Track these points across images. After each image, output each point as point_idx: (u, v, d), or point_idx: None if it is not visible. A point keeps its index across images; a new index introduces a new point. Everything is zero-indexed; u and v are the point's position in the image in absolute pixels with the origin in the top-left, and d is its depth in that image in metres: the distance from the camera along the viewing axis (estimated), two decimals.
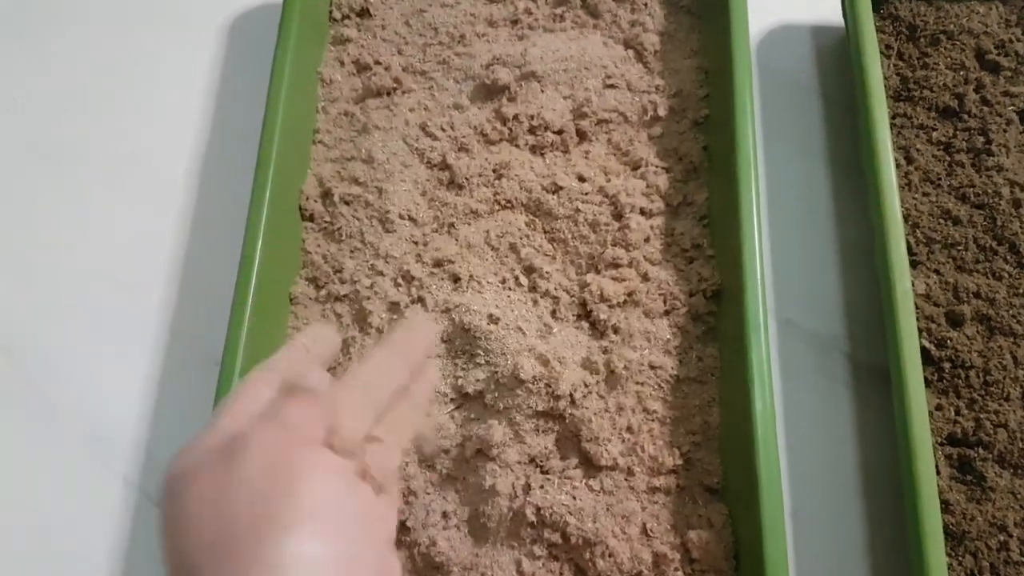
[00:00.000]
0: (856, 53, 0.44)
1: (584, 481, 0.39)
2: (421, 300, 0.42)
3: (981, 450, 0.38)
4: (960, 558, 0.37)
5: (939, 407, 0.40)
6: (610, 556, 0.37)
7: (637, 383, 0.40)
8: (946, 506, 0.38)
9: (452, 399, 0.41)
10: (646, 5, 0.50)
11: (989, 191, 0.43)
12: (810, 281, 0.46)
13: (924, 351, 0.41)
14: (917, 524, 0.35)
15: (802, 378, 0.44)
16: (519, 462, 0.39)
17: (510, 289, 0.42)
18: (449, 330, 0.41)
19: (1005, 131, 0.45)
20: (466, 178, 0.45)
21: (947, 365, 0.40)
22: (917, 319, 0.41)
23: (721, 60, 0.45)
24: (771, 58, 0.51)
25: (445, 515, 0.39)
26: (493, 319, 0.41)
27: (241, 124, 0.48)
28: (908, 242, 0.43)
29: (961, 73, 0.46)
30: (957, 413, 0.39)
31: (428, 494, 0.39)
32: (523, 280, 0.43)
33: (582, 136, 0.47)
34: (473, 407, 0.41)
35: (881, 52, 0.48)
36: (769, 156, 0.49)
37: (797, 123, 0.49)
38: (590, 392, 0.40)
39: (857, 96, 0.44)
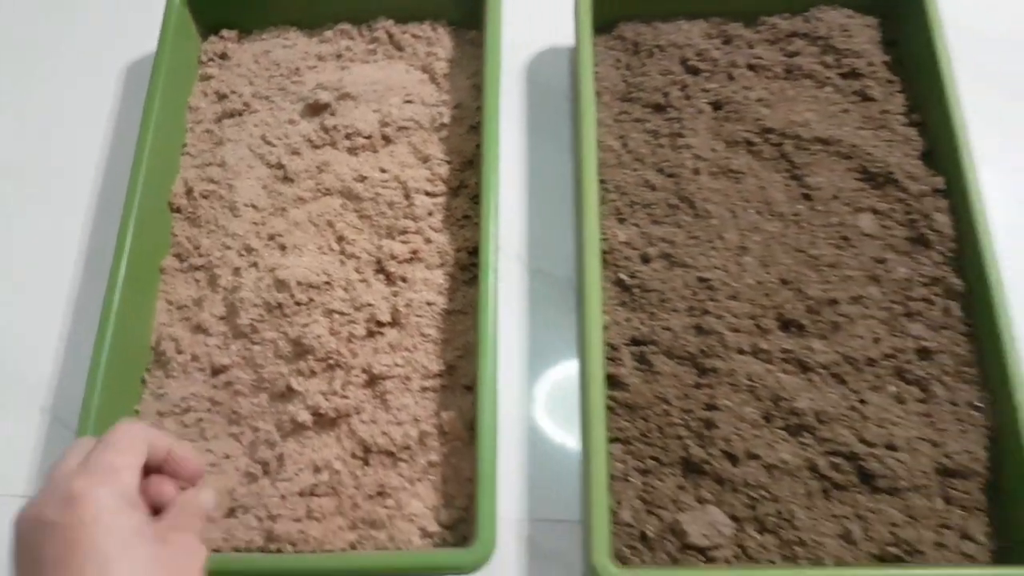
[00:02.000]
0: (575, 68, 0.59)
1: (370, 389, 0.53)
2: (255, 264, 0.57)
3: (653, 347, 0.53)
4: (635, 422, 0.52)
5: (628, 319, 0.55)
6: (385, 435, 0.52)
7: (417, 316, 0.55)
8: (627, 387, 0.52)
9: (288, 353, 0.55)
10: (439, 40, 0.65)
11: (677, 164, 0.59)
12: (555, 237, 0.61)
13: (621, 282, 0.56)
14: (585, 393, 0.49)
15: (548, 307, 0.59)
16: (324, 370, 0.54)
17: (324, 253, 0.57)
18: (276, 286, 0.56)
19: (696, 119, 0.60)
20: (296, 174, 0.60)
21: (637, 290, 0.55)
22: (618, 260, 0.56)
23: (488, 79, 0.60)
24: (539, 73, 0.67)
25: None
26: (311, 273, 0.55)
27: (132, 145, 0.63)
28: (617, 206, 0.58)
29: (668, 76, 0.62)
30: (640, 323, 0.54)
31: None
32: (335, 246, 0.58)
33: (387, 140, 0.62)
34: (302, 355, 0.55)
35: (612, 65, 0.64)
36: (532, 146, 0.64)
37: (554, 121, 0.64)
38: (382, 324, 0.55)
39: (575, 98, 0.59)
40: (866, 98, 0.60)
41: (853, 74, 0.60)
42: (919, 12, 0.59)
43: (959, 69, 0.59)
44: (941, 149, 0.56)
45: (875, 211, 0.56)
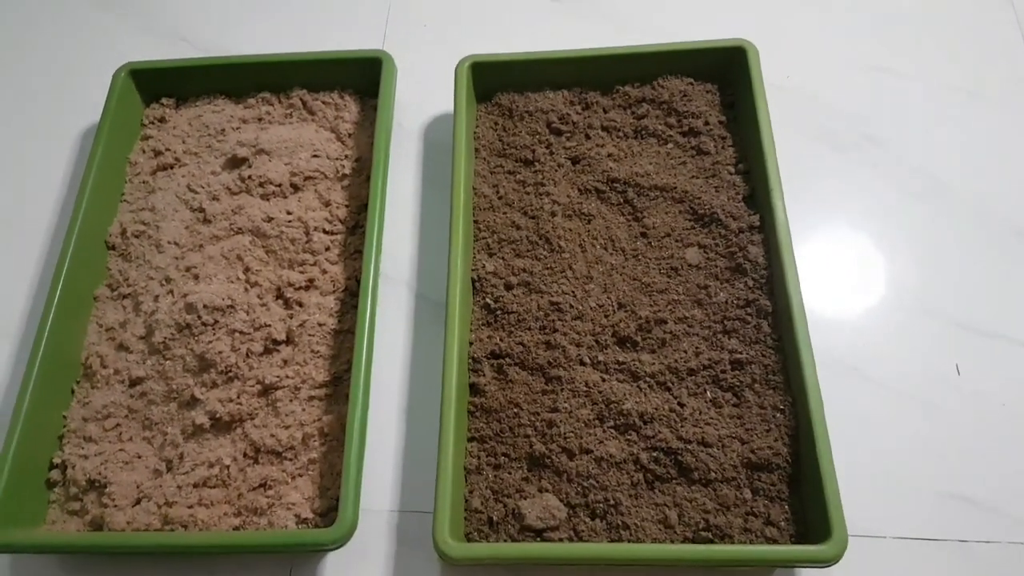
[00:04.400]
0: (453, 128, 0.70)
1: (263, 398, 0.62)
2: (171, 292, 0.66)
3: (509, 359, 0.62)
4: (491, 423, 0.60)
5: (490, 336, 0.63)
6: (272, 436, 0.60)
7: (309, 335, 0.64)
8: (485, 393, 0.61)
9: (194, 367, 0.63)
10: (346, 105, 0.76)
11: (538, 208, 0.69)
12: (438, 268, 0.70)
13: (487, 306, 0.65)
14: (444, 399, 0.58)
15: (429, 327, 0.68)
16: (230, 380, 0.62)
17: (232, 282, 0.67)
18: (186, 309, 0.65)
19: (557, 171, 0.71)
20: (214, 216, 0.70)
21: (500, 312, 0.64)
22: (486, 287, 0.65)
23: (379, 136, 0.71)
24: (432, 133, 0.78)
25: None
26: (216, 297, 0.65)
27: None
28: (488, 242, 0.68)
29: (535, 136, 0.73)
30: (500, 340, 0.63)
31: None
32: (241, 276, 0.67)
33: (296, 187, 0.72)
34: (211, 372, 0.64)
35: (490, 127, 0.74)
36: (424, 192, 0.74)
37: (442, 172, 0.74)
38: (278, 342, 0.64)
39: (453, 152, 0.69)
40: (701, 152, 0.70)
41: (691, 132, 0.71)
42: (746, 77, 0.70)
43: (785, 127, 0.70)
44: (759, 192, 0.66)
45: (701, 246, 0.65)
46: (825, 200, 0.72)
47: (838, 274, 0.68)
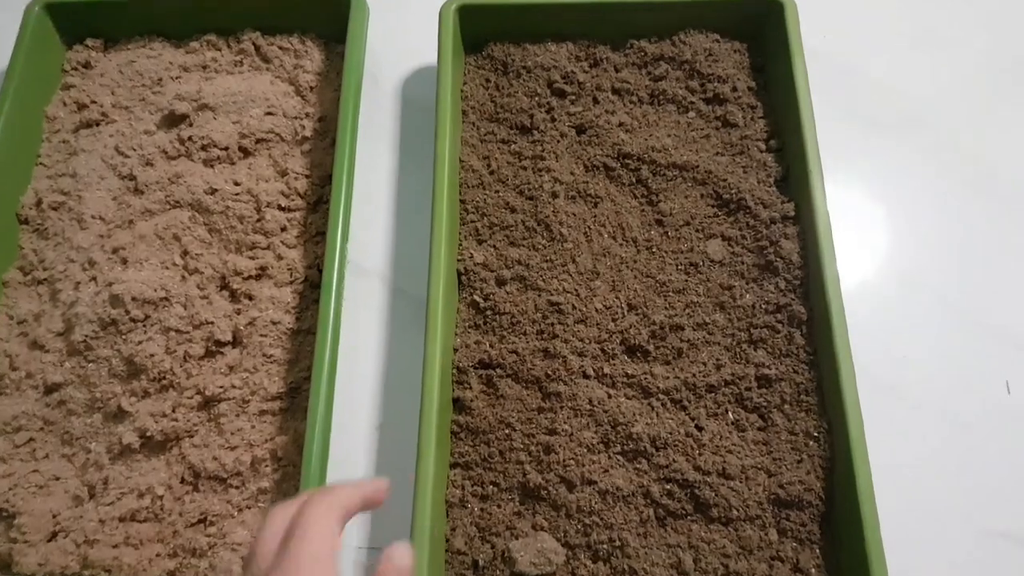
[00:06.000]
0: (438, 88, 0.59)
1: (204, 411, 0.52)
2: (95, 279, 0.55)
3: (500, 370, 0.53)
4: (478, 447, 0.51)
5: (478, 342, 0.54)
6: (215, 459, 0.50)
7: (260, 335, 0.54)
8: (472, 411, 0.52)
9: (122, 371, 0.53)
10: (308, 52, 0.64)
11: (537, 187, 0.58)
12: (419, 257, 0.59)
13: (475, 304, 0.55)
14: (423, 420, 0.48)
15: (407, 328, 0.58)
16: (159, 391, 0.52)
17: (166, 268, 0.56)
18: (111, 302, 0.54)
19: (559, 142, 0.60)
20: (146, 185, 0.59)
21: (490, 313, 0.55)
22: (474, 281, 0.55)
23: (347, 91, 0.59)
24: (413, 91, 0.66)
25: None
26: (147, 288, 0.54)
27: None
28: (477, 227, 0.58)
29: (535, 98, 0.62)
30: (490, 346, 0.53)
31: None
32: (179, 261, 0.56)
33: (245, 152, 0.60)
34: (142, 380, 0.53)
35: (480, 84, 0.63)
36: (402, 164, 0.63)
37: (425, 139, 0.63)
38: (223, 344, 0.53)
39: (437, 117, 0.58)
40: (728, 123, 0.60)
41: (717, 99, 0.61)
42: (782, 36, 0.59)
43: (823, 99, 0.59)
44: (795, 175, 0.57)
45: (725, 237, 0.56)
46: (862, 187, 0.63)
47: (876, 277, 0.59)
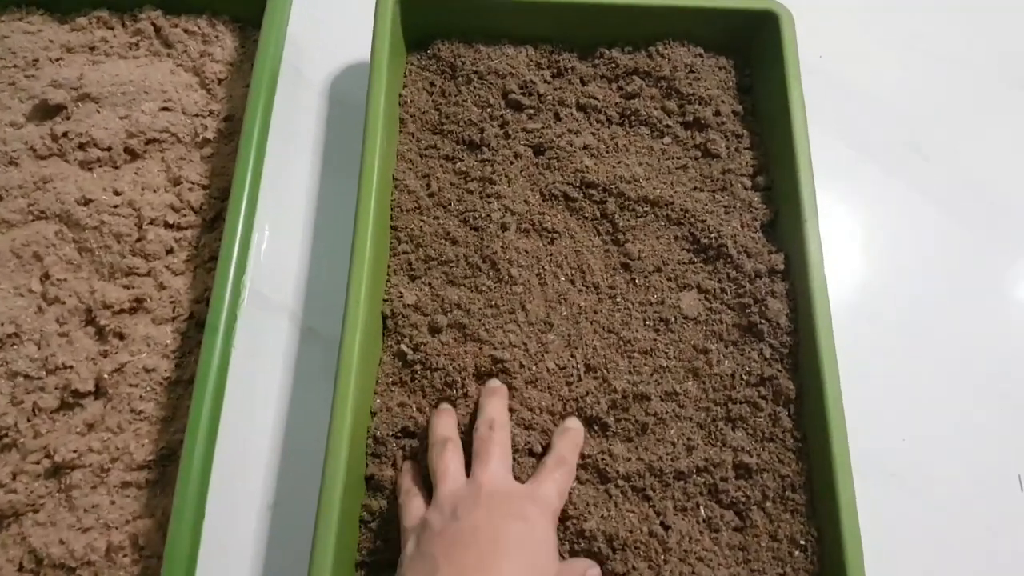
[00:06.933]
0: (369, 89, 0.49)
1: (53, 480, 0.41)
2: None
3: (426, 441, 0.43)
4: (393, 542, 0.41)
5: (402, 404, 0.44)
6: (62, 544, 0.40)
7: (130, 385, 0.43)
8: (389, 495, 0.42)
9: None
10: (218, 38, 0.54)
11: (484, 215, 0.49)
12: (338, 291, 0.49)
13: (403, 355, 0.45)
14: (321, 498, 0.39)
15: (318, 376, 0.48)
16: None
17: (20, 295, 0.45)
18: None
19: (512, 163, 0.51)
20: (6, 190, 0.47)
21: (419, 367, 0.45)
22: (402, 326, 0.46)
23: (256, 84, 0.49)
24: (344, 92, 0.56)
25: None
26: None
27: None
28: (410, 259, 0.48)
29: (486, 110, 0.52)
30: (417, 410, 0.44)
31: None
32: (36, 288, 0.45)
33: (133, 154, 0.50)
34: None
35: (424, 88, 0.53)
36: (324, 178, 0.53)
37: (353, 148, 0.53)
38: (82, 395, 0.43)
39: (367, 124, 0.48)
40: (708, 153, 0.51)
41: (697, 124, 0.52)
42: (775, 54, 0.51)
43: (820, 129, 0.51)
44: (785, 220, 0.48)
45: (702, 289, 0.47)
46: (865, 236, 0.55)
47: (871, 342, 0.51)
